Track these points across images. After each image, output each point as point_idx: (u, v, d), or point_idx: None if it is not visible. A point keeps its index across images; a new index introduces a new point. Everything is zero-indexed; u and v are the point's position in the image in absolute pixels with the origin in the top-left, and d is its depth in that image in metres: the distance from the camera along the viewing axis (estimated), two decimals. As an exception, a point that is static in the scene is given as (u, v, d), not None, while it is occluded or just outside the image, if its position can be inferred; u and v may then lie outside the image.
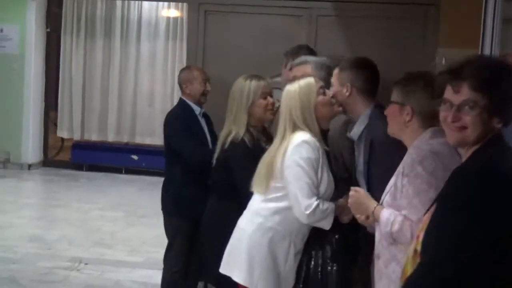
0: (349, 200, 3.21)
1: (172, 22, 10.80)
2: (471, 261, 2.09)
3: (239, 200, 3.85)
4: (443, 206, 2.21)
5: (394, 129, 3.08)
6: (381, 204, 3.01)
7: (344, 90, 3.66)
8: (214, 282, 4.06)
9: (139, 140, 11.01)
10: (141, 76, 10.91)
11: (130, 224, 7.87)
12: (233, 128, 4.09)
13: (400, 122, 3.02)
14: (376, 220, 3.00)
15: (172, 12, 10.77)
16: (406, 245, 2.84)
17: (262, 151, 3.95)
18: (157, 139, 10.71)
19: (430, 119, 2.94)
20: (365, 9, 5.69)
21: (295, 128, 3.52)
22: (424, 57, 5.30)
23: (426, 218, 2.34)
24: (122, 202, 9.00)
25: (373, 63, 3.75)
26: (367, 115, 3.63)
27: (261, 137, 4.13)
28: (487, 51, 3.95)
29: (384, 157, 3.43)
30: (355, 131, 3.68)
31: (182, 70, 5.28)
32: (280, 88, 4.07)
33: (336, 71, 3.74)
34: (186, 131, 4.94)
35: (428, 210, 2.39)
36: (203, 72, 5.12)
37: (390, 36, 5.47)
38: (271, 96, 4.13)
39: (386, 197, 2.98)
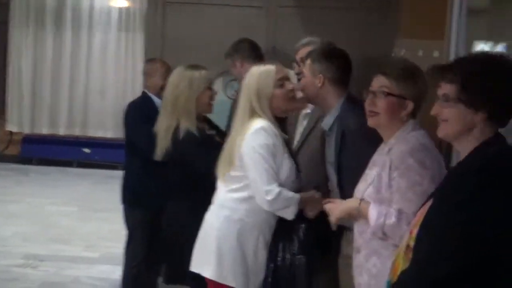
0: (329, 208, 3.15)
1: (124, 13, 10.62)
2: (466, 262, 2.06)
3: (200, 195, 3.74)
4: (440, 204, 2.18)
5: (383, 122, 2.95)
6: (363, 194, 2.94)
7: (317, 81, 3.61)
8: (187, 282, 3.94)
9: (91, 133, 10.83)
10: (92, 68, 10.73)
11: (85, 219, 7.73)
12: (182, 120, 3.99)
13: (395, 116, 2.92)
14: (363, 215, 2.94)
15: (125, 2, 10.60)
16: (391, 240, 2.82)
17: (212, 139, 3.99)
18: (109, 132, 10.56)
19: (417, 110, 2.93)
20: (324, 0, 5.66)
21: (253, 114, 3.47)
22: (385, 48, 5.31)
23: (420, 214, 2.31)
24: (76, 197, 8.84)
25: (344, 52, 3.71)
26: (339, 106, 3.59)
27: (205, 125, 4.07)
28: (453, 42, 3.95)
29: (356, 148, 3.40)
30: (326, 122, 3.64)
31: (146, 62, 5.27)
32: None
33: (308, 62, 3.68)
34: (144, 122, 4.88)
35: (422, 205, 2.36)
36: (166, 65, 5.04)
37: (350, 27, 5.46)
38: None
39: (368, 189, 2.91)
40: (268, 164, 3.42)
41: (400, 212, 2.79)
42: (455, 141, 2.30)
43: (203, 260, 3.60)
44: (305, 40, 4.19)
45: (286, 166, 3.49)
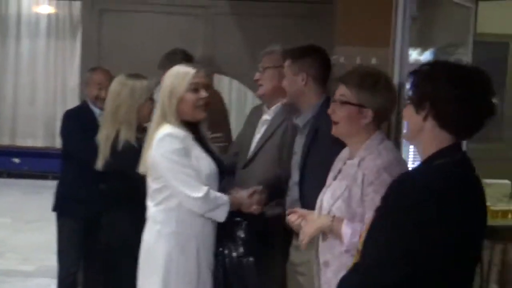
0: (298, 223, 3.12)
1: (53, 20, 10.45)
2: (411, 270, 2.11)
3: (140, 207, 3.64)
4: (383, 211, 2.22)
5: (345, 131, 2.95)
6: (331, 208, 2.92)
7: (300, 79, 3.64)
8: None
9: (20, 142, 10.62)
10: (21, 76, 10.52)
11: (18, 230, 7.58)
12: (122, 130, 3.96)
13: (356, 125, 2.90)
14: (334, 233, 2.90)
15: (53, 9, 10.42)
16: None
17: None
18: (39, 141, 10.38)
19: (383, 120, 2.92)
20: (262, 8, 5.67)
21: (163, 118, 3.46)
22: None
23: (370, 219, 2.36)
24: (7, 208, 8.66)
25: (323, 49, 3.77)
26: (318, 105, 3.62)
27: (144, 136, 3.92)
28: (397, 48, 4.02)
29: (325, 148, 3.41)
30: (302, 118, 3.67)
31: (87, 70, 5.29)
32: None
33: (287, 62, 3.71)
34: (78, 132, 4.91)
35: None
36: (104, 76, 5.02)
37: (288, 35, 5.47)
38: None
39: (337, 203, 2.88)
40: (186, 167, 3.39)
41: None
42: (413, 143, 2.37)
43: (148, 283, 3.50)
44: (268, 49, 4.21)
45: (204, 164, 3.46)
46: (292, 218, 3.15)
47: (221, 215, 3.45)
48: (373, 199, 2.72)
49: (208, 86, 3.64)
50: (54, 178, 5.05)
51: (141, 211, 3.61)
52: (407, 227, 2.10)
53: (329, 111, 3.00)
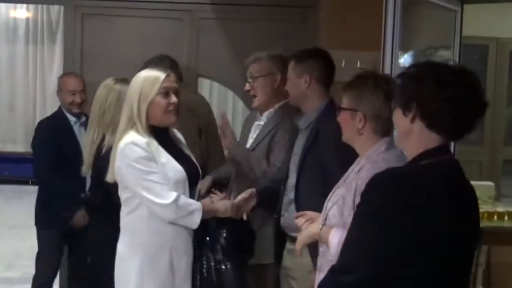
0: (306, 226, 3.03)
1: (31, 25, 10.37)
2: (375, 272, 2.10)
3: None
4: (360, 211, 2.22)
5: (348, 137, 2.93)
6: (327, 214, 2.91)
7: (303, 82, 3.65)
8: None
9: (0, 147, 10.53)
10: (0, 81, 10.44)
11: (1, 236, 7.51)
12: (108, 135, 3.93)
13: (353, 130, 2.88)
14: (323, 241, 2.87)
15: (33, 14, 10.34)
16: None
17: None
18: (19, 146, 10.30)
19: (384, 124, 2.90)
20: (245, 12, 5.66)
21: (129, 123, 3.35)
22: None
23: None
24: (-12, 213, 8.58)
25: (326, 51, 3.77)
26: (321, 107, 3.63)
27: None
28: (388, 52, 4.03)
29: (323, 151, 3.42)
30: (304, 120, 3.67)
31: (59, 76, 5.22)
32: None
33: (291, 64, 3.71)
34: (44, 141, 4.90)
35: None
36: (77, 81, 4.98)
37: (272, 39, 5.49)
38: None
39: (333, 208, 2.88)
40: (151, 174, 3.27)
41: None
42: (403, 147, 2.36)
43: None
44: (253, 57, 4.18)
45: (171, 171, 3.34)
46: (300, 222, 3.10)
47: (193, 222, 3.33)
48: None
49: (177, 91, 3.49)
50: (34, 183, 5.00)
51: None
52: (384, 227, 2.09)
53: (338, 118, 2.99)
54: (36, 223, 5.01)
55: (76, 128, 4.99)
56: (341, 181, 2.95)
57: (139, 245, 3.33)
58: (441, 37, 5.54)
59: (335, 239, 2.77)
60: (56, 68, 9.82)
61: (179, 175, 3.36)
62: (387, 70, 4.00)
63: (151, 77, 3.38)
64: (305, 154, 3.56)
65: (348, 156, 3.02)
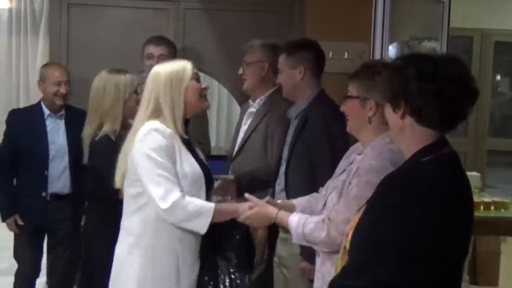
0: (249, 215, 3.05)
1: (14, 15, 10.27)
2: (382, 276, 2.08)
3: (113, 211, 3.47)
4: (373, 210, 2.20)
5: (354, 126, 2.91)
6: (327, 198, 2.92)
7: (297, 73, 3.67)
8: None
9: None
10: (-18, 73, 10.32)
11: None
12: (106, 124, 3.89)
13: (362, 119, 2.85)
14: (282, 225, 2.93)
15: (16, 4, 10.24)
16: (319, 247, 2.82)
17: None
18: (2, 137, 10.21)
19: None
20: (231, 3, 5.67)
21: (154, 114, 3.19)
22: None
23: (357, 217, 2.34)
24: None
25: (316, 42, 3.80)
26: (311, 97, 3.64)
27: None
28: (377, 43, 4.04)
29: (311, 138, 3.43)
30: (295, 109, 3.69)
31: (41, 67, 5.07)
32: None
33: (283, 57, 3.73)
34: (9, 135, 4.83)
35: (361, 207, 2.38)
36: (62, 71, 4.85)
37: (257, 29, 5.47)
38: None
39: (332, 193, 2.88)
40: (163, 169, 3.07)
41: (324, 220, 2.77)
42: (397, 143, 2.35)
43: None
44: (249, 43, 4.25)
45: (188, 168, 3.16)
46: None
47: (200, 227, 3.08)
48: (351, 190, 2.73)
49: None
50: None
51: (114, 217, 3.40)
52: (396, 227, 2.08)
53: (341, 108, 2.97)
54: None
55: (50, 121, 4.84)
56: (339, 167, 2.95)
57: (144, 248, 3.14)
58: (426, 28, 5.56)
59: (293, 222, 2.83)
60: (39, 59, 9.70)
61: (197, 174, 3.19)
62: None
63: (178, 64, 3.27)
64: (294, 142, 3.59)
65: (336, 142, 3.02)
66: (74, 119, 4.65)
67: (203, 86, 3.32)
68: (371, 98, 2.83)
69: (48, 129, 4.81)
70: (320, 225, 2.75)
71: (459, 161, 2.28)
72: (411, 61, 2.26)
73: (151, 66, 3.53)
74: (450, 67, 2.18)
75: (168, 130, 3.15)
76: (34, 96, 10.12)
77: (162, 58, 4.79)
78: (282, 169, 3.69)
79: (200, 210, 3.06)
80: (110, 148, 3.66)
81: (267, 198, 3.19)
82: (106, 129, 3.91)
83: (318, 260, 2.93)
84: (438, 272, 2.12)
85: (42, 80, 4.89)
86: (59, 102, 4.83)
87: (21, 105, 10.19)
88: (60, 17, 5.60)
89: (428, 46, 5.46)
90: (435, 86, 2.13)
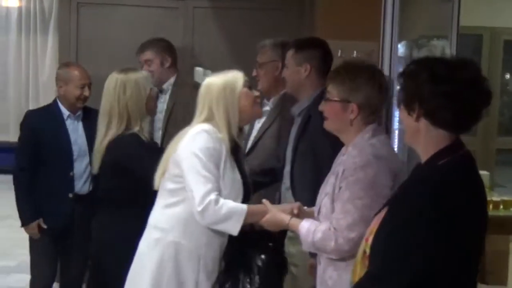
0: (264, 220, 3.06)
1: (24, 14, 10.30)
2: (419, 275, 2.09)
3: (141, 210, 3.45)
4: (396, 215, 2.19)
5: (333, 127, 2.91)
6: (321, 204, 2.92)
7: (303, 70, 3.67)
8: None
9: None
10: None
11: (-5, 226, 7.49)
12: (135, 124, 3.81)
13: (343, 121, 2.84)
14: (295, 231, 2.92)
15: (25, 2, 10.27)
16: (327, 255, 2.82)
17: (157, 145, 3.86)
18: (11, 136, 10.22)
19: (373, 114, 2.88)
20: (240, 1, 5.68)
21: (208, 120, 3.21)
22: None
23: (376, 221, 2.34)
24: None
25: (325, 41, 3.79)
26: (313, 95, 3.64)
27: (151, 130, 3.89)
28: (387, 42, 4.03)
29: (314, 137, 3.44)
30: (298, 107, 3.70)
31: (60, 67, 4.85)
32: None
33: (291, 52, 3.74)
34: (28, 137, 4.63)
35: (379, 211, 2.38)
36: (84, 73, 4.66)
37: (266, 28, 5.48)
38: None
39: (325, 199, 2.88)
40: (207, 170, 3.09)
41: (329, 228, 2.76)
42: (413, 146, 2.35)
43: None
44: (261, 43, 4.25)
45: (229, 178, 3.18)
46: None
47: (232, 228, 3.07)
48: (342, 194, 2.72)
49: None
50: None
51: (136, 217, 3.45)
52: (418, 232, 2.08)
53: (320, 107, 2.98)
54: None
55: (70, 122, 4.70)
56: (330, 172, 2.96)
57: (168, 244, 3.15)
58: (435, 26, 5.55)
59: (305, 224, 2.84)
60: (49, 58, 9.75)
61: (237, 183, 3.22)
62: (386, 60, 4.01)
63: (230, 73, 3.30)
64: (298, 140, 3.59)
65: (339, 140, 3.03)
66: (91, 119, 4.61)
67: (256, 94, 3.35)
68: (353, 102, 2.81)
69: (69, 129, 4.68)
70: (328, 234, 2.74)
71: (474, 163, 2.28)
72: (424, 64, 2.27)
73: None
74: (463, 69, 2.19)
75: (219, 135, 3.17)
76: (43, 94, 10.20)
77: (148, 64, 4.82)
78: (287, 168, 3.68)
79: (233, 212, 3.07)
80: (142, 148, 3.72)
81: (297, 204, 3.17)
82: (136, 128, 3.81)
83: (319, 268, 2.90)
84: (460, 272, 2.14)
85: (63, 81, 4.65)
86: (80, 105, 4.67)
87: (31, 103, 10.27)
88: (69, 16, 5.63)
89: (437, 44, 5.45)
90: (449, 88, 2.15)
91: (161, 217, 3.21)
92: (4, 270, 5.99)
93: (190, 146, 3.13)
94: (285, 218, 3.00)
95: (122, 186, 3.76)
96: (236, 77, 3.28)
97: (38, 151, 4.58)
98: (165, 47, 4.96)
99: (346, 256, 2.71)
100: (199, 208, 3.03)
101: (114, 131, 3.83)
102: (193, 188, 3.07)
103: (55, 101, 4.75)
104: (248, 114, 3.31)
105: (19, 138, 4.73)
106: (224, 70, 5.70)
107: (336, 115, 2.86)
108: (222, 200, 3.07)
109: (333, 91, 2.86)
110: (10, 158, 10.04)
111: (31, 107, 9.20)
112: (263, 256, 3.17)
